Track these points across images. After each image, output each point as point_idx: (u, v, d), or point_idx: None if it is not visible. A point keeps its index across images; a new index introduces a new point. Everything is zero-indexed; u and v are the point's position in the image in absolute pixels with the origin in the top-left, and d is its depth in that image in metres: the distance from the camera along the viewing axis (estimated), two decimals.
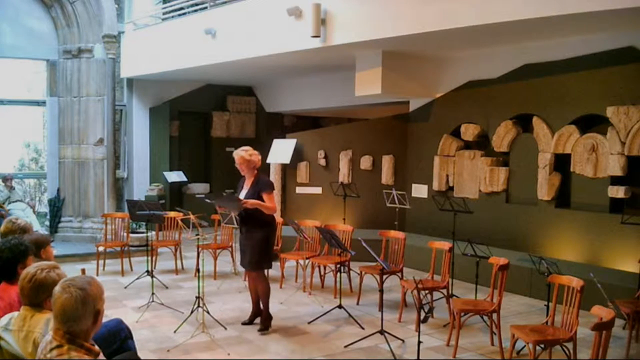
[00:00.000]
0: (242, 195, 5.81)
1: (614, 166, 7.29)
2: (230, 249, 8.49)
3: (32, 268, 2.93)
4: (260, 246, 5.79)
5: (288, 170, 10.57)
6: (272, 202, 5.81)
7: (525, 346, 5.10)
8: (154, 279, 7.19)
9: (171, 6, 10.74)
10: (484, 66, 8.78)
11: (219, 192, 6.02)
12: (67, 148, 10.77)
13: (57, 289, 2.44)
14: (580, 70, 7.67)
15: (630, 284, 6.27)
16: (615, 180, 7.39)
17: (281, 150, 10.46)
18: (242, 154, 5.84)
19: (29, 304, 2.90)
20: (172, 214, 8.63)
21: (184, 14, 10.60)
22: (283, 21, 8.23)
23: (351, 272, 7.70)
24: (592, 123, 7.71)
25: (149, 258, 7.74)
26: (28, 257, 3.39)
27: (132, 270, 8.57)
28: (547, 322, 4.98)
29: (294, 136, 10.68)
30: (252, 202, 5.67)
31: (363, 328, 6.06)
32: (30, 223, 4.45)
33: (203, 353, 5.36)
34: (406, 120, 10.18)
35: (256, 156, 5.90)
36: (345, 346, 5.57)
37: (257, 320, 6.10)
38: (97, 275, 8.14)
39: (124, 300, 7.08)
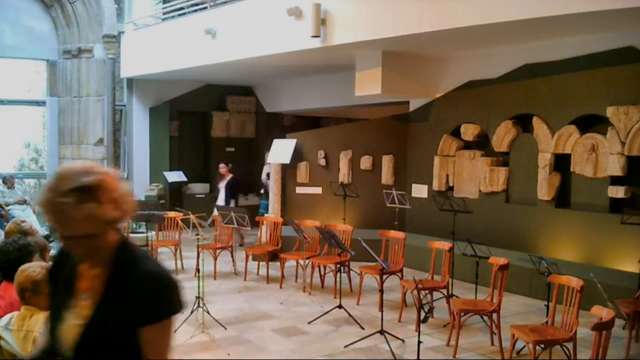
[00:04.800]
0: None
1: (614, 166, 7.29)
2: (230, 249, 8.49)
3: (31, 263, 3.02)
4: None
5: (288, 170, 10.55)
6: None
7: (525, 346, 5.10)
8: None
9: (171, 6, 10.74)
10: (484, 66, 8.78)
11: None
12: (67, 148, 10.78)
13: None
14: (580, 70, 7.67)
15: (630, 284, 6.27)
16: (615, 180, 7.38)
17: (281, 150, 10.44)
18: None
19: (19, 296, 2.96)
20: (172, 214, 8.63)
21: (184, 14, 10.60)
22: (283, 21, 8.23)
23: (351, 272, 7.70)
24: (592, 123, 7.70)
25: None
26: (32, 258, 3.43)
27: None
28: (547, 322, 4.99)
29: (294, 136, 10.67)
30: None
31: (363, 328, 6.06)
32: (33, 227, 4.47)
33: (203, 353, 5.36)
34: (406, 120, 10.17)
35: None
36: (345, 346, 5.57)
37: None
38: None
39: None
